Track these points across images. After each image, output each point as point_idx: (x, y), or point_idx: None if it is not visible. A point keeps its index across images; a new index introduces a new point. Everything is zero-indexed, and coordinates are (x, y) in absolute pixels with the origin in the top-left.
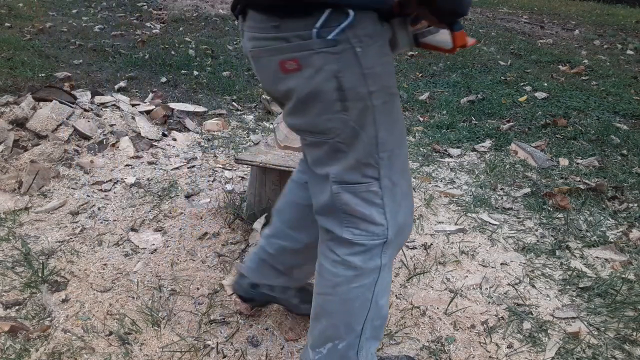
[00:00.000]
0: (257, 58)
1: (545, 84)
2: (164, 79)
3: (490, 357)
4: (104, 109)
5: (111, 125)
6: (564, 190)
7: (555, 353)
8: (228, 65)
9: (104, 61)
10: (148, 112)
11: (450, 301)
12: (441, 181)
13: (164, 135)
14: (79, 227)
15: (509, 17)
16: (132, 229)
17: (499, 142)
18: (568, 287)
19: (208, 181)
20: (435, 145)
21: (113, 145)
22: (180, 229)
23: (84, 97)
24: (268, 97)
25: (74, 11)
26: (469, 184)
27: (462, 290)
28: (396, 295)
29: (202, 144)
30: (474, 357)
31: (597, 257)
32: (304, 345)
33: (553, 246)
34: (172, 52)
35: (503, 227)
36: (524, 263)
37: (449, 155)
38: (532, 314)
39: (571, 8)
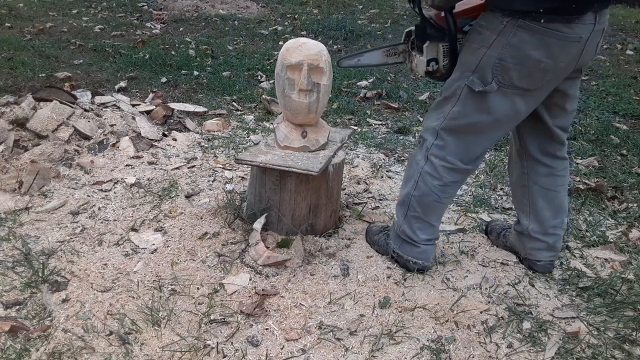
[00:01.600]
0: (600, 39)
1: None
2: (164, 79)
3: (490, 356)
4: (104, 109)
5: (111, 125)
6: None
7: (555, 353)
8: (228, 65)
9: (104, 61)
10: (148, 112)
11: (456, 301)
12: None
13: (164, 135)
14: (79, 227)
15: None
16: (133, 229)
17: (499, 141)
18: (568, 287)
19: (208, 181)
20: None
21: (113, 145)
22: (181, 229)
23: (84, 97)
24: (268, 97)
25: (74, 11)
26: (468, 184)
27: (462, 290)
28: (396, 295)
29: (202, 144)
30: (474, 357)
31: (596, 257)
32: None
33: None
34: (172, 52)
35: None
36: None
37: None
38: (531, 313)
39: None
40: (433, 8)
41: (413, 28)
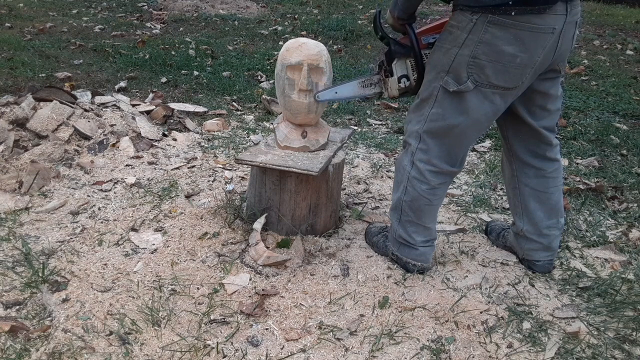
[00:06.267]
0: (574, 31)
1: None
2: (164, 79)
3: (490, 357)
4: (104, 109)
5: (111, 126)
6: (564, 190)
7: (555, 353)
8: (228, 65)
9: (104, 61)
10: (148, 112)
11: (456, 302)
12: None
13: (164, 135)
14: (79, 227)
15: None
16: (133, 229)
17: (498, 142)
18: (568, 287)
19: (208, 181)
20: None
21: (113, 145)
22: (180, 229)
23: (84, 97)
24: (268, 97)
25: (74, 11)
26: (469, 184)
27: (462, 290)
28: (396, 295)
29: (202, 144)
30: (473, 357)
31: (596, 257)
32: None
33: None
34: (172, 52)
35: None
36: None
37: None
38: (531, 313)
39: None
40: (394, 19)
41: (384, 58)
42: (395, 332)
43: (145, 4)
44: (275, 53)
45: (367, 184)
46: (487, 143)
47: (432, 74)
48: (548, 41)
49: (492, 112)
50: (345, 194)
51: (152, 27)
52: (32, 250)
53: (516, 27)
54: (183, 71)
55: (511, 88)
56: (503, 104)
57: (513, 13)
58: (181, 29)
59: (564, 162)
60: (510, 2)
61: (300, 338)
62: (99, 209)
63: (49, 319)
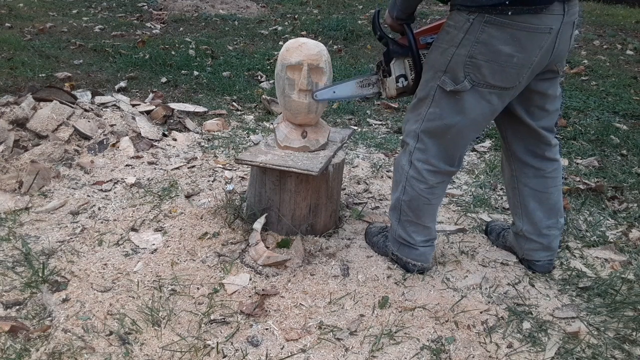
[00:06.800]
0: (572, 32)
1: None
2: (164, 79)
3: (490, 357)
4: (104, 109)
5: (111, 126)
6: (564, 190)
7: (555, 353)
8: (228, 65)
9: (104, 61)
10: (148, 112)
11: (457, 302)
12: None
13: (164, 135)
14: (79, 227)
15: None
16: (133, 229)
17: (498, 142)
18: (568, 287)
19: (208, 181)
20: None
21: (113, 145)
22: (180, 229)
23: (84, 97)
24: (268, 97)
25: (74, 11)
26: (469, 184)
27: (462, 290)
28: (396, 295)
29: (202, 144)
30: (473, 357)
31: (596, 257)
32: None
33: None
34: (172, 52)
35: None
36: None
37: None
38: (531, 313)
39: None
40: (392, 20)
41: (382, 58)
42: (395, 332)
43: (145, 4)
44: (275, 53)
45: (367, 184)
46: (487, 143)
47: (429, 73)
48: (545, 41)
49: (490, 111)
50: (345, 194)
51: (152, 27)
52: (32, 250)
53: (513, 27)
54: (183, 71)
55: (508, 88)
56: (500, 104)
57: (510, 13)
58: (181, 29)
59: (564, 162)
60: (507, 2)
61: (300, 338)
62: (99, 209)
63: (49, 319)
